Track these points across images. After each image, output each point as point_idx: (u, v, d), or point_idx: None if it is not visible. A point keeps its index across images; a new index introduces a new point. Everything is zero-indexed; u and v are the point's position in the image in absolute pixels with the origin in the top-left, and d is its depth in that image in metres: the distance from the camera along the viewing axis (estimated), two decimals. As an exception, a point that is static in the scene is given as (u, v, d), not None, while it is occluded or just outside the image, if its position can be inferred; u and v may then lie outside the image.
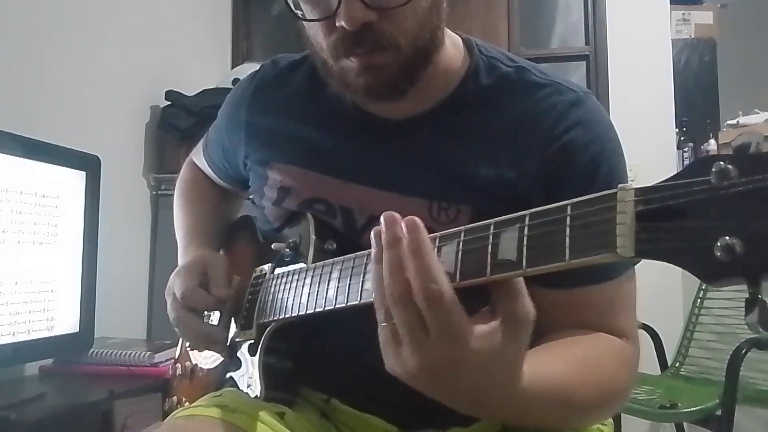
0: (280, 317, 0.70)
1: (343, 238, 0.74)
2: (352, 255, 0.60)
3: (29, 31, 1.61)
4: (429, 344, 0.46)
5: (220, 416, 0.68)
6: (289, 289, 0.69)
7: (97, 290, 1.51)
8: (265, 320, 0.73)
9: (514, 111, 0.71)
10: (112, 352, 1.56)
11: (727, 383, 1.61)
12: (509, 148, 0.70)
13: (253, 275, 0.80)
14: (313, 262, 0.69)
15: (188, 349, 0.93)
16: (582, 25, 2.73)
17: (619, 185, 0.39)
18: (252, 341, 0.74)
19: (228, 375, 0.79)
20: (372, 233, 0.49)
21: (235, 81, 1.71)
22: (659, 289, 2.02)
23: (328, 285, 0.62)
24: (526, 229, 0.44)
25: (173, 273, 0.80)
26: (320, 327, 0.73)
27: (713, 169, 0.35)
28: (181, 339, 0.94)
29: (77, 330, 1.45)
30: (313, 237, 0.72)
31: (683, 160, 2.65)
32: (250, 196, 0.87)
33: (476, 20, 2.69)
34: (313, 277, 0.65)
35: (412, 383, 0.49)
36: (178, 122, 2.10)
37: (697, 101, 2.87)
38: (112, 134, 1.94)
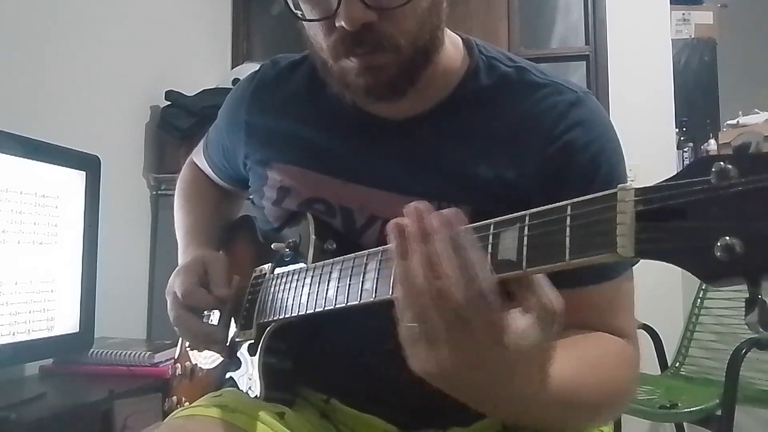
0: (280, 317, 0.70)
1: (342, 238, 0.74)
2: (352, 255, 0.60)
3: (29, 31, 1.61)
4: (468, 342, 0.43)
5: (220, 416, 0.68)
6: (289, 289, 0.69)
7: (97, 290, 1.51)
8: (265, 320, 0.73)
9: (513, 111, 0.71)
10: (112, 352, 1.56)
11: (727, 383, 1.61)
12: (509, 148, 0.70)
13: (253, 275, 0.80)
14: (312, 262, 0.69)
15: (188, 349, 0.93)
16: (582, 25, 2.73)
17: (619, 185, 0.39)
18: (252, 341, 0.74)
19: (228, 375, 0.79)
20: (390, 227, 0.47)
21: (235, 81, 1.71)
22: (659, 289, 2.02)
23: (327, 285, 0.62)
24: (526, 229, 0.44)
25: (173, 272, 0.80)
26: (320, 327, 0.73)
27: (713, 169, 0.35)
28: (181, 339, 0.94)
29: (77, 330, 1.45)
30: (312, 237, 0.72)
31: (683, 160, 2.65)
32: (250, 197, 0.87)
33: (476, 20, 2.69)
34: (312, 277, 0.65)
35: (442, 383, 0.47)
36: (178, 122, 2.10)
37: (697, 101, 2.87)
38: (112, 134, 1.94)
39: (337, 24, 0.62)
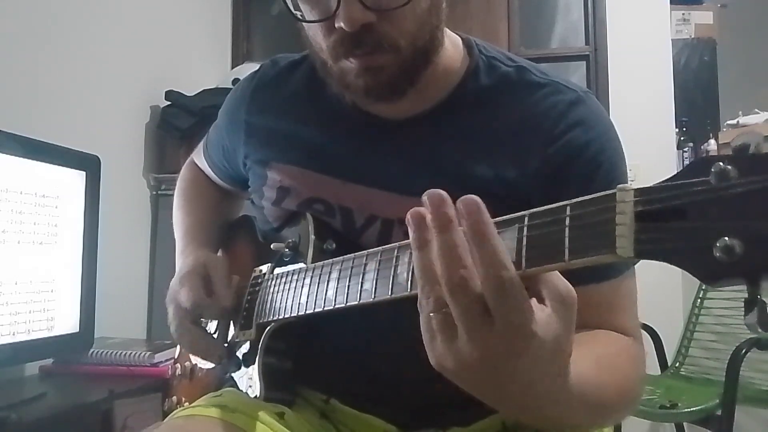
0: (280, 317, 0.70)
1: (342, 238, 0.74)
2: (352, 255, 0.60)
3: (29, 31, 1.61)
4: (491, 333, 0.42)
5: (220, 416, 0.68)
6: (289, 290, 0.69)
7: (97, 290, 1.51)
8: (265, 320, 0.72)
9: (514, 111, 0.71)
10: (112, 352, 1.56)
11: (727, 383, 1.61)
12: (509, 148, 0.70)
13: (253, 275, 0.80)
14: (312, 262, 0.69)
15: (188, 349, 0.93)
16: (582, 25, 2.73)
17: (619, 185, 0.39)
18: (251, 341, 0.74)
19: (228, 375, 0.79)
20: (409, 216, 0.45)
21: (235, 81, 1.71)
22: (659, 289, 2.02)
23: (327, 285, 0.62)
24: (525, 229, 0.44)
25: (174, 280, 0.79)
26: (320, 327, 0.73)
27: (713, 170, 0.35)
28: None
29: (77, 330, 1.45)
30: (312, 237, 0.72)
31: (683, 160, 2.65)
32: (250, 197, 0.87)
33: (476, 20, 2.69)
34: (312, 277, 0.65)
35: (462, 378, 0.45)
36: (178, 122, 2.10)
37: (697, 101, 2.87)
38: (112, 134, 1.94)
39: (336, 25, 0.62)
